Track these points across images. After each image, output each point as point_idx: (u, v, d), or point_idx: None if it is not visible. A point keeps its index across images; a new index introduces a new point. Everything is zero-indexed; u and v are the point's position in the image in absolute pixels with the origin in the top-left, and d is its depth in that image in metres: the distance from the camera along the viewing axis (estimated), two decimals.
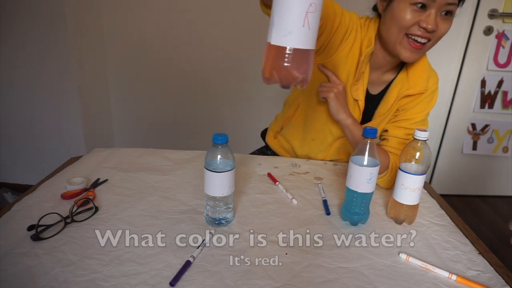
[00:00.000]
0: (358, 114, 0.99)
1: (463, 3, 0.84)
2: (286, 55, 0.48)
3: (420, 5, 0.79)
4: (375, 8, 0.93)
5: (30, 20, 1.77)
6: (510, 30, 2.06)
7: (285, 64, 0.48)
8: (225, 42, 2.05)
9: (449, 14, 0.81)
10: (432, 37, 0.82)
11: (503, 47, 2.09)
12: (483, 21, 2.04)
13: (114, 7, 1.99)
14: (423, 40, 0.82)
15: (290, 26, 0.47)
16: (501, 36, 2.07)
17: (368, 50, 0.90)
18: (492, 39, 2.08)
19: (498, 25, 2.05)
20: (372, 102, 0.99)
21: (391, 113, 0.98)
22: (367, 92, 0.99)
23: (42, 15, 1.75)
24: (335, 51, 0.92)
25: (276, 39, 0.48)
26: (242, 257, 0.65)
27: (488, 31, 2.06)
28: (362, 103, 0.98)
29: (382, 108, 0.98)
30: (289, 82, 0.50)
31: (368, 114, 1.01)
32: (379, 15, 0.90)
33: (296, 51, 0.48)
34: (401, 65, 0.97)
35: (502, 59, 2.12)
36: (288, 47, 0.47)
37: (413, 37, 0.83)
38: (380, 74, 0.98)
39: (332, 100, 0.93)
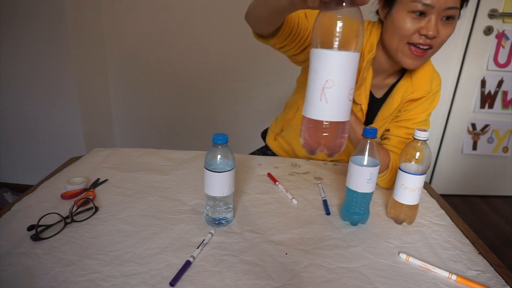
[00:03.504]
0: (361, 117, 0.99)
1: (467, 3, 0.82)
2: (308, 125, 0.53)
3: (418, 13, 0.78)
4: (378, 12, 0.92)
5: (29, 19, 1.77)
6: (510, 30, 2.06)
7: (303, 132, 0.53)
8: (226, 41, 2.05)
9: (451, 18, 0.79)
10: (433, 44, 0.81)
11: (503, 47, 2.09)
12: (483, 21, 2.04)
13: (114, 7, 1.99)
14: (425, 47, 0.81)
15: (309, 99, 0.51)
16: (501, 36, 2.07)
17: (370, 56, 0.89)
18: (492, 39, 2.08)
19: (498, 25, 2.05)
20: (376, 104, 0.99)
21: (394, 115, 0.98)
22: (372, 95, 0.99)
23: (42, 14, 1.75)
24: None
25: (303, 110, 0.53)
26: (242, 257, 0.65)
27: (488, 31, 2.06)
28: (365, 107, 0.98)
29: (386, 112, 0.98)
30: (311, 148, 0.54)
31: (371, 116, 1.01)
32: (381, 20, 0.90)
33: (313, 121, 0.51)
34: (404, 68, 0.97)
35: (502, 59, 2.12)
36: (307, 118, 0.52)
37: (415, 45, 0.82)
38: (384, 78, 0.97)
39: None
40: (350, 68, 0.49)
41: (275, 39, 0.78)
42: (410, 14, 0.79)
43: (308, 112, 0.52)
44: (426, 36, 0.79)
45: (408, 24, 0.80)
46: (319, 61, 0.49)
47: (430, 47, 0.81)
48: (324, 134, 0.51)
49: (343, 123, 0.52)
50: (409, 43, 0.82)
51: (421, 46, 0.81)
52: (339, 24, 0.47)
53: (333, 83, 0.49)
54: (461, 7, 0.82)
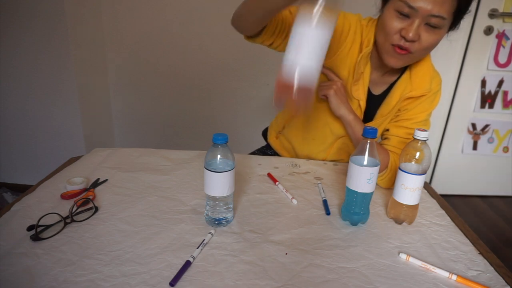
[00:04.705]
0: (359, 114, 0.99)
1: (463, 15, 0.82)
2: (279, 77, 0.63)
3: (402, 13, 0.79)
4: None
5: (29, 19, 1.77)
6: (510, 30, 2.06)
7: (276, 84, 0.64)
8: (226, 41, 2.05)
9: (435, 26, 0.79)
10: (413, 48, 0.81)
11: (504, 47, 2.09)
12: (483, 21, 2.04)
13: (114, 7, 1.99)
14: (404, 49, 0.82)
15: (284, 60, 0.63)
16: (501, 36, 2.07)
17: (365, 51, 0.90)
18: (492, 39, 2.08)
19: (498, 24, 2.05)
20: (374, 102, 1.00)
21: (393, 114, 0.98)
22: (370, 92, 0.99)
23: (42, 14, 1.75)
24: (334, 53, 0.93)
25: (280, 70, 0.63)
26: (242, 257, 0.65)
27: (488, 30, 2.06)
28: (363, 103, 0.98)
29: (384, 109, 0.98)
30: (278, 99, 0.64)
31: (370, 114, 1.01)
32: None
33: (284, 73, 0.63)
34: (404, 66, 0.97)
35: (502, 59, 2.12)
36: (280, 73, 0.63)
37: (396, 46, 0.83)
38: (382, 74, 0.98)
39: (332, 96, 0.94)
40: (321, 40, 0.60)
41: (262, 37, 0.84)
42: (395, 13, 0.81)
43: (282, 68, 0.62)
44: (405, 39, 0.80)
45: (393, 22, 0.81)
46: (295, 33, 0.61)
47: (409, 51, 0.82)
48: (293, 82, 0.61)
49: (309, 74, 0.61)
50: (392, 44, 0.83)
51: (400, 48, 0.83)
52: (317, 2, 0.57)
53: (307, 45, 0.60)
54: (457, 19, 0.82)
